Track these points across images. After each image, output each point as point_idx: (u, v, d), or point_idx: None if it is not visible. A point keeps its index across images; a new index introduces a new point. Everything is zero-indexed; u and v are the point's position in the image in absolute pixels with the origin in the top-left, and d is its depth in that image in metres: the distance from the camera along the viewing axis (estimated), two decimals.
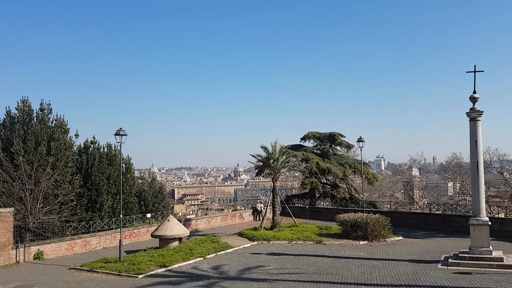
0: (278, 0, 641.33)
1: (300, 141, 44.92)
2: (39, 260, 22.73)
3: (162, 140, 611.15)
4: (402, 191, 72.09)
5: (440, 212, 32.63)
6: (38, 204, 25.05)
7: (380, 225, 25.54)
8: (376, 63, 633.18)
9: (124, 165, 33.69)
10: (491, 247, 18.39)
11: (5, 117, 29.08)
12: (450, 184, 70.66)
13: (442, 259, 19.64)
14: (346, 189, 42.02)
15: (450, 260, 18.64)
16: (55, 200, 25.92)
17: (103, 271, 19.15)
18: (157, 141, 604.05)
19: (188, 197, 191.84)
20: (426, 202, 46.50)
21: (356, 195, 42.53)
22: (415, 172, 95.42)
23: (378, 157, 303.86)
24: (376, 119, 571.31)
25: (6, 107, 29.01)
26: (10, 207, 23.12)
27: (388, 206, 37.16)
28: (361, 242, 24.88)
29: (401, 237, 26.44)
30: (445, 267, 18.12)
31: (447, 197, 68.52)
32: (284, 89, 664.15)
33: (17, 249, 22.27)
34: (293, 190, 66.76)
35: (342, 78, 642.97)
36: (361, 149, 31.10)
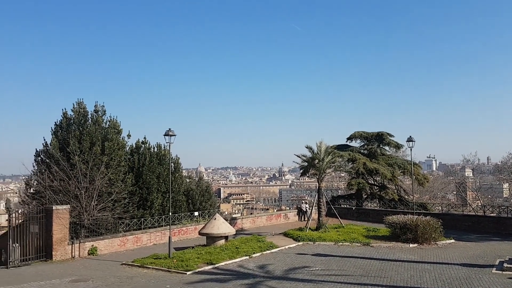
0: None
1: (347, 141, 44.26)
2: (93, 255, 23.65)
3: (208, 140, 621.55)
4: (455, 192, 69.45)
5: (495, 214, 31.20)
6: (93, 202, 25.84)
7: (431, 228, 24.72)
8: (425, 61, 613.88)
9: (173, 165, 34.11)
10: None
11: (62, 118, 30.06)
12: (505, 185, 67.21)
13: (496, 263, 18.74)
14: (395, 190, 41.03)
15: (505, 265, 17.74)
16: (108, 197, 26.64)
17: (153, 267, 19.66)
18: (204, 141, 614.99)
19: (234, 196, 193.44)
20: (479, 204, 44.61)
21: (406, 197, 41.29)
22: (468, 172, 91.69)
23: (429, 157, 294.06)
24: (428, 119, 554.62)
25: (62, 109, 30.02)
26: (67, 204, 24.11)
27: (440, 208, 35.99)
28: (411, 245, 24.16)
29: (453, 240, 25.48)
30: (500, 271, 17.25)
31: (502, 199, 65.43)
32: (331, 89, 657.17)
33: (73, 245, 23.23)
34: (339, 191, 65.45)
35: (390, 77, 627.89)
36: (411, 149, 30.50)
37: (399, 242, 24.74)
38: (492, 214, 31.24)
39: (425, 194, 61.07)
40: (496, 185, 69.88)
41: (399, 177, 41.40)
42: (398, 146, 42.64)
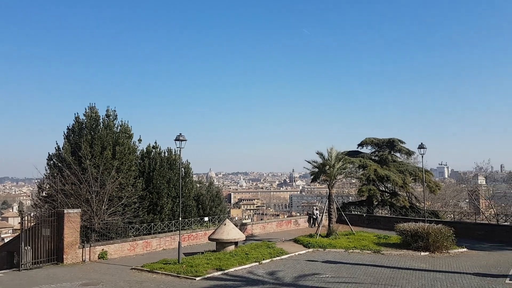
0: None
1: (357, 147, 44.26)
2: (103, 259, 23.74)
3: (219, 145, 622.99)
4: (467, 200, 68.59)
5: (509, 223, 30.63)
6: (103, 206, 25.97)
7: (442, 236, 24.50)
8: (437, 65, 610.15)
9: (183, 169, 34.44)
10: None
11: (74, 122, 30.37)
12: None
13: (510, 273, 18.41)
14: (406, 198, 40.81)
15: None
16: (119, 202, 26.79)
17: (162, 272, 19.68)
18: (214, 146, 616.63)
19: (244, 201, 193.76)
20: (493, 212, 43.92)
21: (417, 204, 41.08)
22: (481, 180, 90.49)
23: (441, 164, 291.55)
24: (440, 125, 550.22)
25: (75, 113, 30.34)
26: (78, 208, 24.25)
27: (452, 216, 35.60)
28: (422, 253, 23.95)
29: (465, 249, 25.21)
30: None
31: None
32: (341, 94, 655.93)
33: (83, 249, 23.35)
34: (350, 198, 65.16)
35: (402, 82, 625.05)
36: (422, 156, 30.40)
37: (410, 250, 24.53)
38: (506, 223, 30.67)
39: (436, 201, 60.43)
40: (510, 194, 68.78)
41: (410, 184, 41.12)
42: (409, 153, 42.61)
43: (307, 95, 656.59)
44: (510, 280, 17.30)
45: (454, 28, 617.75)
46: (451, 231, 25.02)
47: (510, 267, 19.75)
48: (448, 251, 24.49)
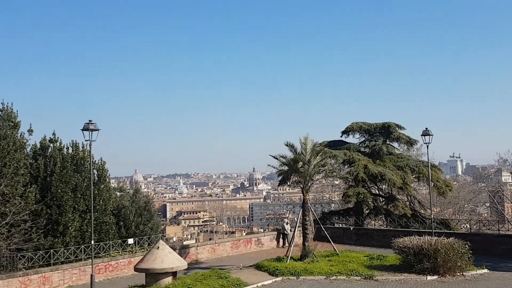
0: None
1: (341, 136, 44.52)
2: None
3: (148, 139, 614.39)
4: (487, 204, 70.48)
5: None
6: None
7: (455, 253, 24.93)
8: (448, 44, 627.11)
9: (96, 172, 33.87)
10: None
11: None
12: None
13: None
14: (407, 203, 41.50)
15: None
16: (2, 221, 25.95)
17: None
18: (141, 140, 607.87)
19: (185, 215, 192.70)
20: None
21: (422, 211, 41.81)
22: (506, 177, 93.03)
23: (453, 156, 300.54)
24: (451, 110, 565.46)
25: None
26: None
27: (467, 226, 36.80)
28: (429, 277, 24.41)
29: (486, 270, 25.85)
30: None
31: None
32: (320, 68, 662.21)
33: None
34: (332, 205, 66.60)
35: (398, 60, 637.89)
36: (427, 146, 31.09)
37: (412, 274, 24.93)
38: None
39: (447, 207, 61.80)
40: None
41: (412, 185, 41.83)
42: (410, 142, 43.03)
43: (274, 69, 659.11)
44: None
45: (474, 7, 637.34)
46: (466, 246, 25.41)
47: None
48: (463, 273, 24.95)
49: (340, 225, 40.81)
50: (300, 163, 29.89)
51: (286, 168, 31.06)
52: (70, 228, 30.57)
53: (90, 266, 23.50)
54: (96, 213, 31.06)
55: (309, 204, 31.51)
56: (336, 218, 42.63)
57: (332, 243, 32.11)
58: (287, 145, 30.51)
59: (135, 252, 30.25)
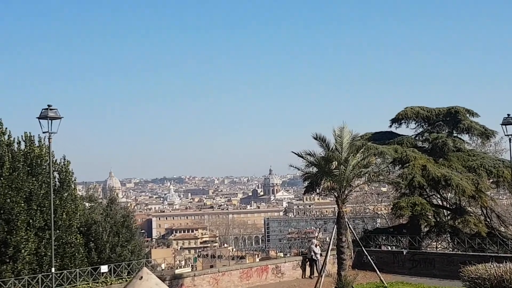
0: None
1: (391, 126, 42.05)
2: None
3: (127, 133, 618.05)
4: None
5: None
6: None
7: None
8: None
9: (57, 175, 32.66)
10: None
11: None
12: None
13: None
14: (482, 218, 38.38)
15: None
16: None
17: None
18: (118, 134, 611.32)
19: (178, 234, 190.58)
20: None
21: (503, 229, 39.61)
22: None
23: None
24: None
25: None
26: None
27: None
28: None
29: None
30: None
31: None
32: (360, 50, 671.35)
33: None
34: (378, 220, 65.20)
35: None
36: (510, 140, 30.16)
37: None
38: None
39: None
40: None
41: (488, 193, 39.71)
42: (486, 134, 40.22)
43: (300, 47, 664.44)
44: None
45: None
46: None
47: None
48: None
49: (389, 247, 38.98)
50: (334, 163, 27.97)
51: (314, 169, 29.22)
52: (22, 251, 28.57)
53: None
54: (57, 231, 29.65)
55: (346, 219, 29.90)
56: (384, 238, 40.26)
57: (378, 272, 31.13)
58: (316, 138, 28.57)
59: (111, 284, 28.70)
